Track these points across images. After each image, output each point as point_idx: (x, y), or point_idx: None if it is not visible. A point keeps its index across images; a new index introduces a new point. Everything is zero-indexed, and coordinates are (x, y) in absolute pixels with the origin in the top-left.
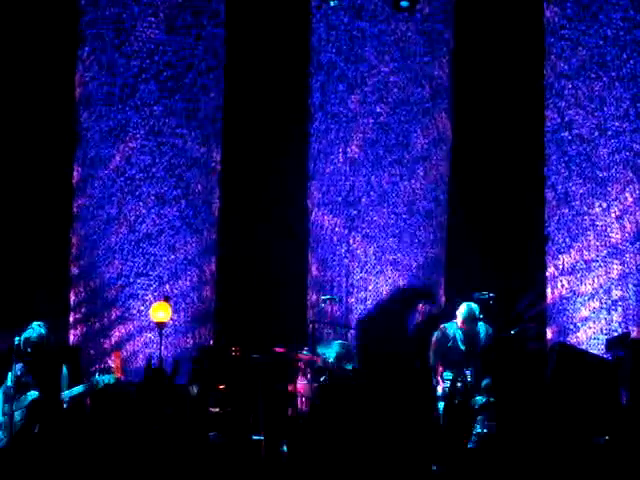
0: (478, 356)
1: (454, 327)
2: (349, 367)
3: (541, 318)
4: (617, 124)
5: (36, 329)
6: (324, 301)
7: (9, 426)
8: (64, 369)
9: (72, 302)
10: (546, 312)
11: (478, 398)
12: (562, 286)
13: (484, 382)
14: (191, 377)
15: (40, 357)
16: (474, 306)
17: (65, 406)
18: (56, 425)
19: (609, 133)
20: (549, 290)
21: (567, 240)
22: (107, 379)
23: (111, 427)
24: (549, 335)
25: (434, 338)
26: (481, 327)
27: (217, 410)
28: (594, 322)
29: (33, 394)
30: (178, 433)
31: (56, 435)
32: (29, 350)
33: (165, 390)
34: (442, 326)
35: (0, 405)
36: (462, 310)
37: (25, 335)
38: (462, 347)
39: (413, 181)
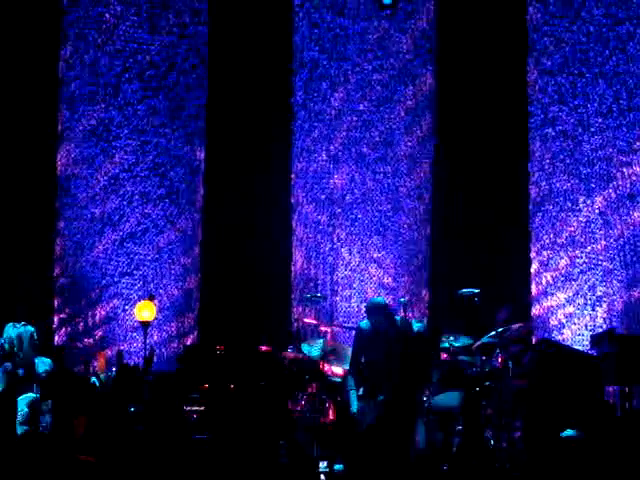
0: (390, 350)
1: (365, 324)
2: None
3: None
4: (600, 120)
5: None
6: (308, 299)
7: None
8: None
9: (56, 302)
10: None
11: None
12: (546, 282)
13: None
14: (175, 376)
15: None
16: (376, 299)
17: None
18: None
19: (592, 129)
20: (533, 286)
21: (551, 236)
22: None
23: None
24: (533, 333)
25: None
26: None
27: (201, 409)
28: (579, 318)
29: (30, 396)
30: (154, 424)
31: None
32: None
33: (138, 381)
34: (358, 327)
35: None
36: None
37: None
38: (372, 342)
39: (397, 179)
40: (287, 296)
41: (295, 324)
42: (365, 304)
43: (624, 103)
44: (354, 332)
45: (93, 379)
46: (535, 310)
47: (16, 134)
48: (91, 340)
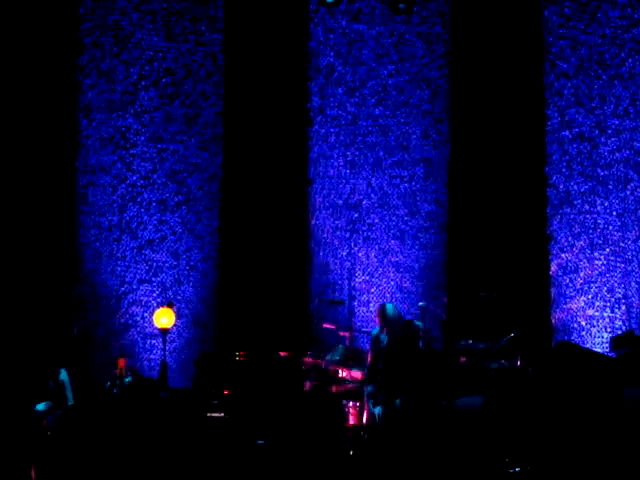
0: (405, 355)
1: (377, 331)
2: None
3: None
4: (617, 122)
5: None
6: (327, 304)
7: None
8: (65, 374)
9: (76, 310)
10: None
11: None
12: (565, 285)
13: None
14: (195, 382)
15: None
16: (388, 305)
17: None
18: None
19: (609, 131)
20: (552, 289)
21: (569, 239)
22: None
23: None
24: (553, 333)
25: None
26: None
27: (222, 415)
28: (598, 321)
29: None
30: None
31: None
32: None
33: (152, 393)
34: (371, 333)
35: None
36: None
37: None
38: (386, 349)
39: (414, 183)
40: (306, 301)
41: (314, 329)
42: (378, 311)
43: None
44: (370, 339)
45: (108, 383)
46: (555, 313)
47: (34, 143)
48: (110, 347)
